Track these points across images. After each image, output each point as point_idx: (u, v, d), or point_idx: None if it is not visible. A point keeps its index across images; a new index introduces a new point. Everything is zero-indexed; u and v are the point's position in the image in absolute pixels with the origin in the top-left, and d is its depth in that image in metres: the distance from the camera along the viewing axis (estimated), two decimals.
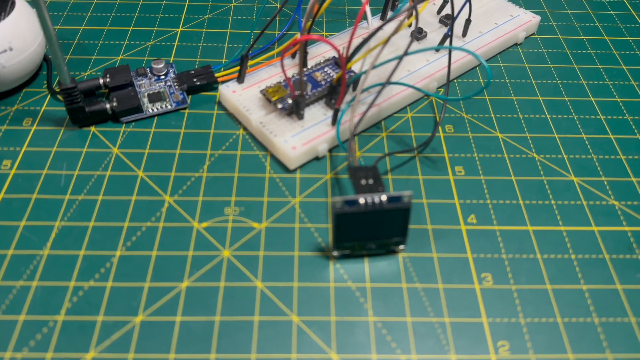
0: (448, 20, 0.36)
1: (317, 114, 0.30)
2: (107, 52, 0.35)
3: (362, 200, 0.22)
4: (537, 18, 0.38)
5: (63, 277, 0.24)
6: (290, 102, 0.29)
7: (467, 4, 0.33)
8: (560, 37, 0.39)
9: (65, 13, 0.38)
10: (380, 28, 0.26)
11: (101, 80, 0.31)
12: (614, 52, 0.38)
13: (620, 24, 0.40)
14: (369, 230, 0.23)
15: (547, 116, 0.32)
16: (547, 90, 0.34)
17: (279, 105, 0.29)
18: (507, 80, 0.35)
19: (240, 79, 0.31)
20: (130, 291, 0.23)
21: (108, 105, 0.30)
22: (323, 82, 0.31)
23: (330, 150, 0.30)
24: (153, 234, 0.26)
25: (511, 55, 0.37)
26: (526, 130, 0.31)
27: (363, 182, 0.24)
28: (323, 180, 0.28)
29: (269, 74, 0.32)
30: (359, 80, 0.30)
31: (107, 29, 0.37)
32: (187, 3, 0.40)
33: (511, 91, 0.34)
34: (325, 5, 0.31)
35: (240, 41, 0.37)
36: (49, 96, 0.32)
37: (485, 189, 0.28)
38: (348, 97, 0.31)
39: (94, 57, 0.35)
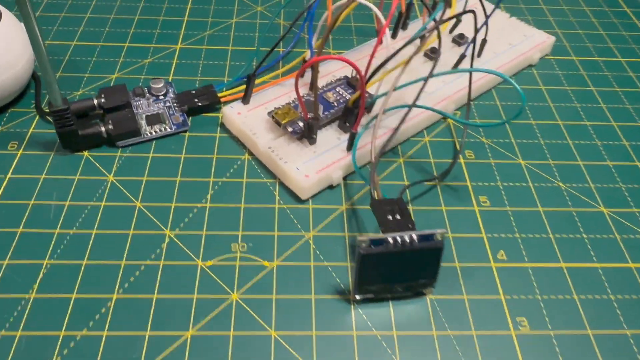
0: (461, 40, 0.35)
1: (331, 138, 0.28)
2: (101, 70, 0.33)
3: (391, 240, 0.20)
4: (552, 39, 0.36)
5: (52, 325, 0.21)
6: (302, 125, 0.27)
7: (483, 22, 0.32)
8: (574, 58, 0.37)
9: (56, 27, 0.36)
10: (402, 48, 0.24)
11: (95, 101, 0.29)
12: (631, 74, 0.36)
13: (633, 45, 0.39)
14: (396, 272, 0.21)
15: (570, 142, 0.31)
16: (567, 114, 0.33)
17: (290, 129, 0.27)
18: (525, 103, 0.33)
19: (245, 99, 0.29)
20: (129, 341, 0.21)
21: (103, 129, 0.28)
22: (336, 104, 0.29)
23: (344, 178, 0.28)
24: (154, 273, 0.23)
25: (526, 77, 0.35)
26: (549, 157, 0.30)
27: (390, 217, 0.21)
28: (338, 211, 0.26)
29: (275, 94, 0.30)
30: (374, 102, 0.28)
31: (100, 45, 0.35)
32: (185, 19, 0.38)
33: (529, 115, 0.32)
34: (337, 23, 0.29)
35: (243, 59, 0.35)
36: (37, 117, 0.30)
37: (513, 221, 0.26)
38: (363, 121, 0.29)
39: (86, 75, 0.33)
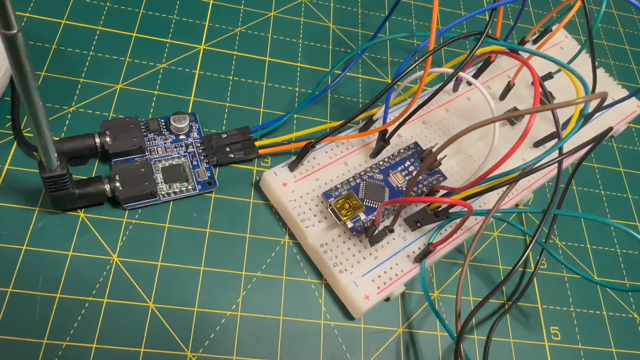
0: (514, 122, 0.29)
1: (395, 236, 0.23)
2: (101, 73, 0.25)
3: None
4: None
5: None
6: (364, 220, 0.22)
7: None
8: None
9: None
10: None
11: (98, 140, 0.22)
12: None
13: None
14: None
15: None
16: None
17: (350, 225, 0.22)
18: (602, 192, 0.29)
19: (294, 167, 0.23)
20: None
21: (108, 187, 0.21)
22: (403, 187, 0.23)
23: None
24: None
25: (605, 153, 0.30)
26: (625, 275, 0.26)
27: None
28: (395, 335, 0.22)
29: (330, 156, 0.24)
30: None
31: (100, 30, 0.26)
32: (211, 1, 0.29)
33: (607, 208, 0.28)
34: (419, 91, 0.22)
35: (284, 78, 0.27)
36: (15, 145, 0.22)
37: None
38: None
39: (81, 80, 0.25)
